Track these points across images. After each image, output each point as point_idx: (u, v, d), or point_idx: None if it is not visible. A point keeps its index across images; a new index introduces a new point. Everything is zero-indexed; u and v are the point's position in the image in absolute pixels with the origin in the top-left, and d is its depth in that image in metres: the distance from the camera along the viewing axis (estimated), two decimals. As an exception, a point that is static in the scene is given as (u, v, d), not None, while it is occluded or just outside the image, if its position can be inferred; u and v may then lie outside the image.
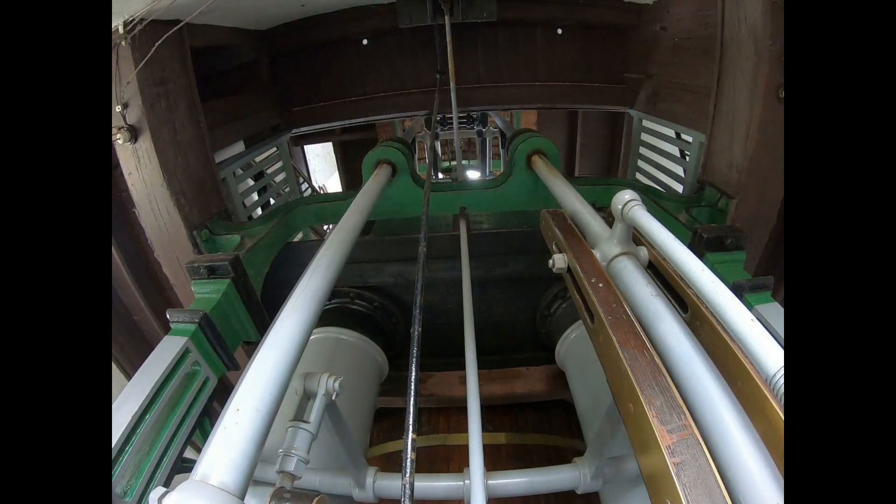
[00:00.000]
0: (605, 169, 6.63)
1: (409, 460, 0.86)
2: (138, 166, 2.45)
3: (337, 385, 1.31)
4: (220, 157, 3.37)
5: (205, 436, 1.79)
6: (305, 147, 7.35)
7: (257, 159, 3.95)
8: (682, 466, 0.75)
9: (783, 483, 0.77)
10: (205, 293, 2.08)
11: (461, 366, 1.76)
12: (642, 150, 4.26)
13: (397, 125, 8.44)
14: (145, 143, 2.39)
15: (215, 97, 3.45)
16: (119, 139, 2.35)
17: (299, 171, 5.75)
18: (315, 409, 1.27)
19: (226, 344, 1.99)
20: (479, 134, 8.52)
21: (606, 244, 1.43)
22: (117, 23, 2.19)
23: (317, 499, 0.95)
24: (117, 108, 2.32)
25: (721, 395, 0.92)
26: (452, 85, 3.77)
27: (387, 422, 3.19)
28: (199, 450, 0.97)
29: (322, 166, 9.60)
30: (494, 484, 1.66)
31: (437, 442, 3.06)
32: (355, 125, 5.23)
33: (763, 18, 2.21)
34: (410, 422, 0.93)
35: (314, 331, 1.31)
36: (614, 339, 1.03)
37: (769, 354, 0.80)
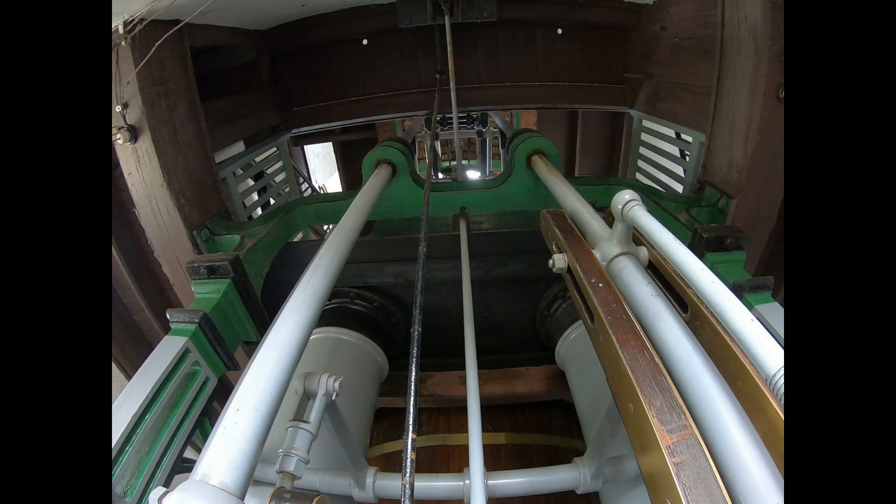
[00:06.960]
0: (605, 169, 6.64)
1: (409, 460, 0.86)
2: (138, 166, 2.45)
3: (337, 385, 1.31)
4: (220, 157, 3.37)
5: (205, 436, 1.79)
6: (305, 147, 7.35)
7: (257, 159, 3.95)
8: (682, 466, 0.75)
9: (783, 483, 0.77)
10: (205, 293, 2.08)
11: (461, 366, 1.76)
12: (642, 150, 4.26)
13: (397, 125, 8.43)
14: (145, 143, 2.39)
15: (215, 97, 3.45)
16: (119, 139, 2.35)
17: (299, 171, 5.76)
18: (315, 409, 1.27)
19: (226, 344, 1.99)
20: (479, 134, 8.53)
21: (606, 244, 1.43)
22: (117, 23, 2.19)
23: (317, 499, 0.95)
24: (117, 108, 2.32)
25: (721, 395, 0.92)
26: (452, 85, 3.77)
27: (387, 422, 3.19)
28: (199, 450, 0.97)
29: (322, 166, 9.59)
30: (494, 484, 1.66)
31: (437, 442, 3.06)
32: (355, 125, 5.24)
33: (763, 18, 2.21)
34: (410, 422, 0.93)
35: (314, 331, 1.31)
36: (614, 339, 1.03)
37: (769, 354, 0.80)
